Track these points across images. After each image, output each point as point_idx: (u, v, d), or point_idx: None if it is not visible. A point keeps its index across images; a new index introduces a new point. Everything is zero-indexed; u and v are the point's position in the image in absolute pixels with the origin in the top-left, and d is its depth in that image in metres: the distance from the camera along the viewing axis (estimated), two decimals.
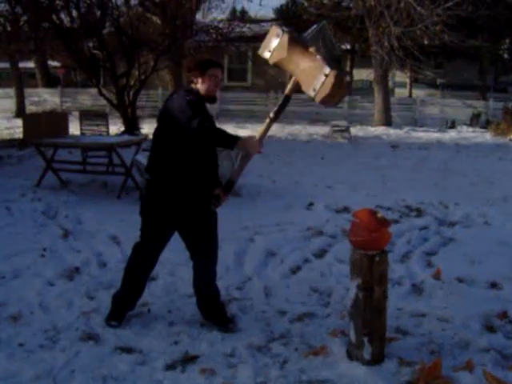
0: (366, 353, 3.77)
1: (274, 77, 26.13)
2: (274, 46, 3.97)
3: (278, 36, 3.94)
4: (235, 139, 3.88)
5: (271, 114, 3.94)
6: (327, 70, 3.63)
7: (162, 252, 4.47)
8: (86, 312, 4.60)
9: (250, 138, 3.98)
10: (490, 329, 4.44)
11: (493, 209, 8.46)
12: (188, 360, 3.88)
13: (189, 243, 4.41)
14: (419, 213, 8.20)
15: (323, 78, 3.63)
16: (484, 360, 3.87)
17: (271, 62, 4.01)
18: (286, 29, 3.96)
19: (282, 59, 3.93)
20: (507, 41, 36.25)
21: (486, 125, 20.98)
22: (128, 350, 4.01)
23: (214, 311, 4.47)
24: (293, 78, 3.91)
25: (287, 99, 3.95)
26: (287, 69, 3.92)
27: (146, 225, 4.36)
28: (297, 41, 3.91)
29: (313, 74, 3.70)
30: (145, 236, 4.39)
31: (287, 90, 3.95)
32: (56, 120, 10.39)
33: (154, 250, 4.44)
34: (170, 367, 3.80)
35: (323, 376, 3.69)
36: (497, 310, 4.74)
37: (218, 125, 4.01)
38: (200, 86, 4.16)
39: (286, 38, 3.89)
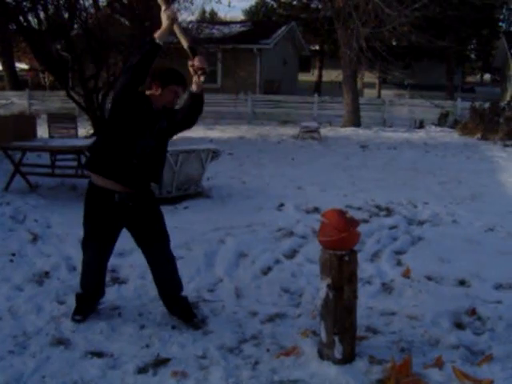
0: (337, 352, 3.80)
1: (243, 78, 26.16)
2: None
3: None
4: (150, 38, 4.20)
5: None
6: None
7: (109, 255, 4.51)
8: (56, 317, 4.56)
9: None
10: (459, 326, 4.50)
11: (461, 207, 8.57)
12: (159, 363, 3.87)
13: (138, 238, 4.40)
14: (388, 212, 8.27)
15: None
16: (453, 357, 3.92)
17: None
18: None
19: None
20: (474, 41, 36.78)
21: (454, 124, 21.18)
22: (99, 355, 3.98)
23: (176, 306, 4.49)
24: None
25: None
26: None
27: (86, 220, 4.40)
28: None
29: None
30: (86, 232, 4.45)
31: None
32: (24, 123, 10.30)
33: (96, 248, 4.47)
34: (142, 370, 3.78)
35: (295, 376, 3.71)
36: (466, 307, 4.80)
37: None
38: (158, 95, 4.20)
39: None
